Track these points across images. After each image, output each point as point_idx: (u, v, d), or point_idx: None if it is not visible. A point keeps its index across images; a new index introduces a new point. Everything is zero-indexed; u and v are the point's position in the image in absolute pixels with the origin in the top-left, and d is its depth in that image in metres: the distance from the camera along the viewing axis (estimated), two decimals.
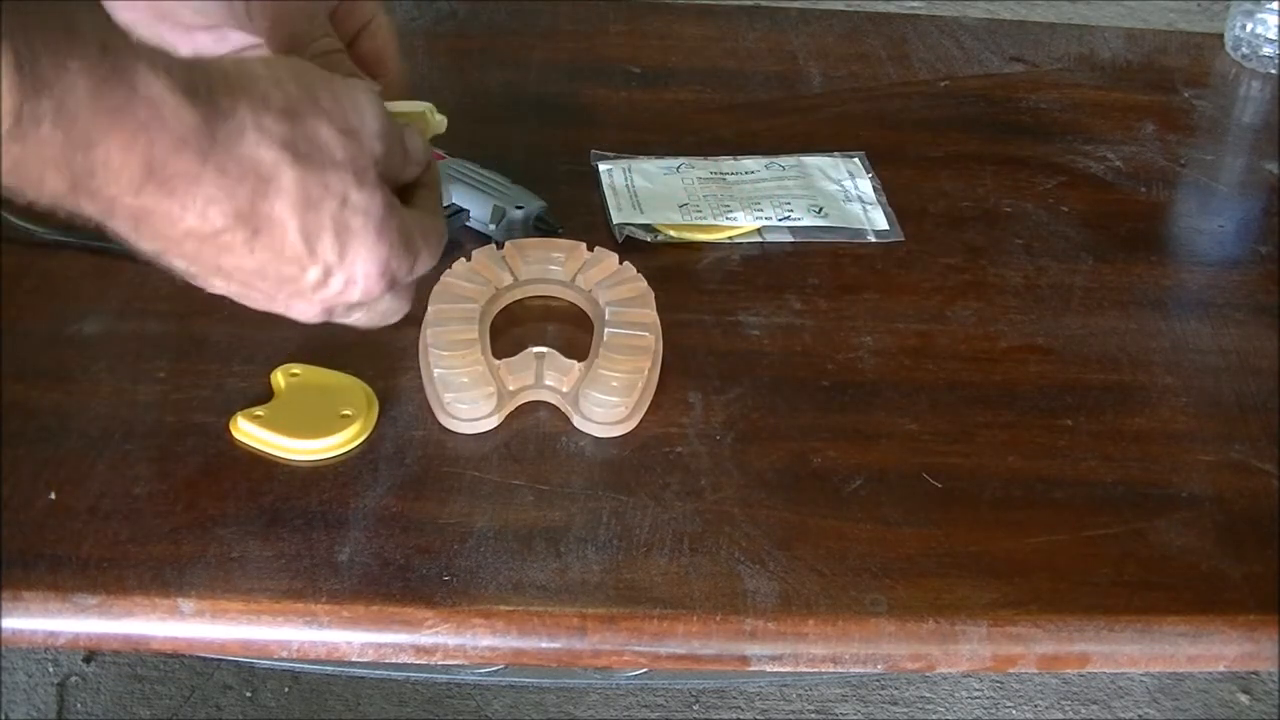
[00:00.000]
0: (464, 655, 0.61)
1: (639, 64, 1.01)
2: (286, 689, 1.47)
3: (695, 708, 1.48)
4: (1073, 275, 0.84)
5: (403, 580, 0.61)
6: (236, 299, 0.56)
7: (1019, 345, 0.78)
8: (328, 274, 0.54)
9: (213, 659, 1.41)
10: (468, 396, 0.69)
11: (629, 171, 0.88)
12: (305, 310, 0.57)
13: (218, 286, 0.55)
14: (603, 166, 0.89)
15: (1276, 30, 1.05)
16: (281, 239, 0.52)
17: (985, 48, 1.07)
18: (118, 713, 1.44)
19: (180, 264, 0.53)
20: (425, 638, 0.61)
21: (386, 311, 0.60)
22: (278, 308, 0.56)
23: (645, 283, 0.76)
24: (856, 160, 0.92)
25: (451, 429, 0.69)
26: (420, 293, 0.75)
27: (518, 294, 0.77)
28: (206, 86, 0.49)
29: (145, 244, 0.51)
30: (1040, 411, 0.74)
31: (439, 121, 0.65)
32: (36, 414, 0.68)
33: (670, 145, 0.92)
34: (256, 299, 0.56)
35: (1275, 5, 1.04)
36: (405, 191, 0.59)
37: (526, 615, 0.61)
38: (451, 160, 0.85)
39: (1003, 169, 0.93)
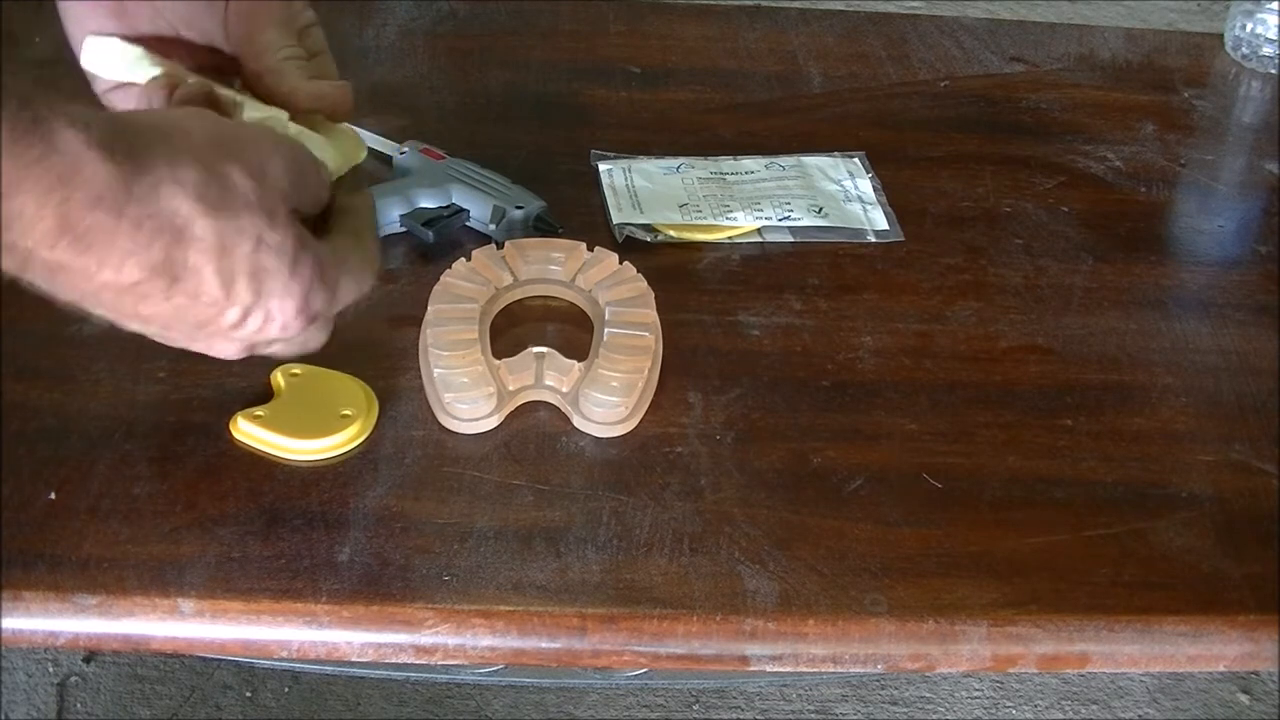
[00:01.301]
0: (464, 655, 0.61)
1: (639, 64, 1.01)
2: (286, 689, 1.47)
3: (695, 708, 1.48)
4: (1073, 275, 0.84)
5: (403, 580, 0.61)
6: (156, 339, 0.56)
7: (1019, 345, 0.78)
8: (245, 314, 0.55)
9: (213, 659, 1.41)
10: (468, 396, 0.69)
11: (629, 171, 0.88)
12: (225, 348, 0.57)
13: (136, 328, 0.55)
14: (603, 166, 0.89)
15: (1276, 30, 1.05)
16: (197, 285, 0.52)
17: (985, 48, 1.07)
18: (118, 713, 1.44)
19: (98, 311, 0.53)
20: (425, 638, 0.61)
21: (305, 342, 0.60)
22: (198, 347, 0.57)
23: (645, 283, 0.76)
24: (856, 160, 0.92)
25: (451, 429, 0.69)
26: (421, 293, 0.75)
27: (518, 294, 0.77)
28: (126, 142, 0.49)
29: (62, 295, 0.52)
30: (1040, 411, 0.74)
31: (359, 147, 0.68)
32: (36, 414, 0.68)
33: (670, 145, 0.92)
34: (176, 339, 0.56)
35: (1275, 5, 1.04)
36: (325, 220, 0.60)
37: (526, 615, 0.61)
38: (451, 160, 0.85)
39: (1003, 169, 0.93)
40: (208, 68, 0.65)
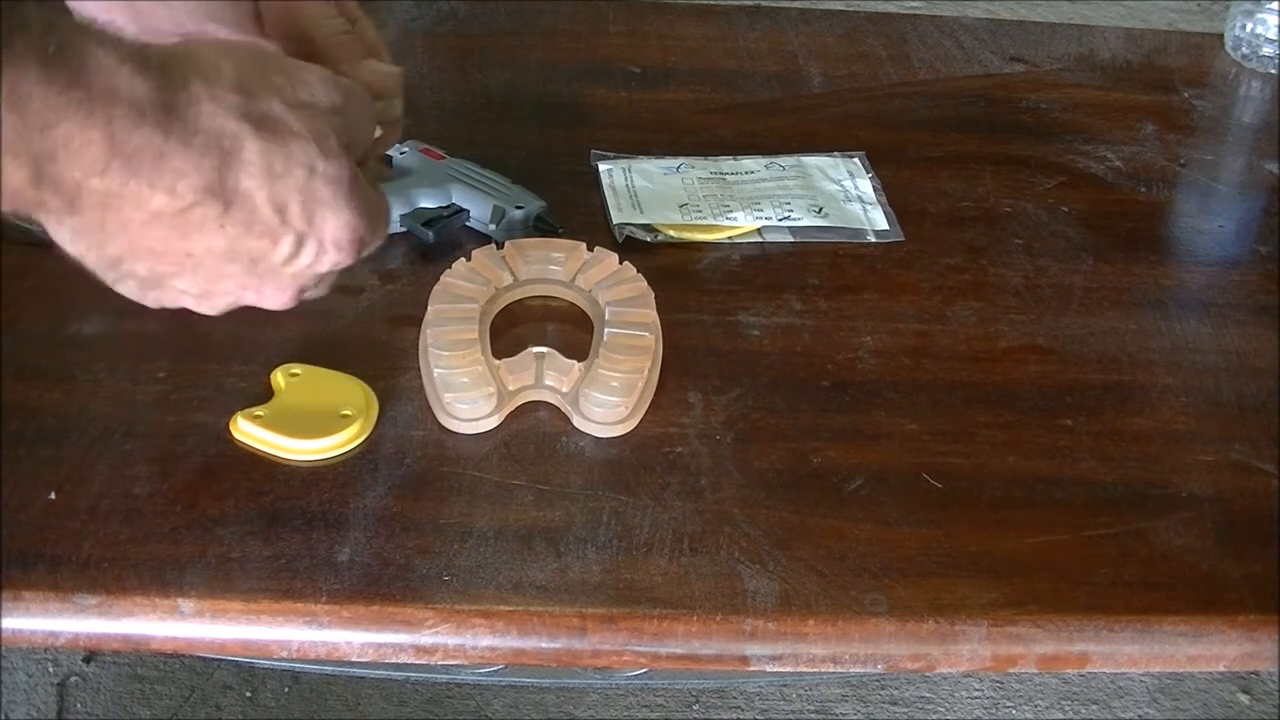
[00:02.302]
0: (464, 655, 0.61)
1: (639, 64, 1.01)
2: (286, 689, 1.47)
3: (695, 708, 1.48)
4: (1073, 275, 0.84)
5: (403, 580, 0.61)
6: (198, 301, 0.55)
7: (1019, 345, 0.78)
8: (300, 244, 0.54)
9: (213, 659, 1.40)
10: (468, 396, 0.69)
11: (629, 171, 0.88)
12: (276, 293, 0.56)
13: (180, 288, 0.54)
14: (603, 166, 0.89)
15: (1276, 30, 1.05)
16: (252, 211, 0.51)
17: (985, 48, 1.07)
18: (118, 713, 1.44)
19: (143, 268, 0.52)
20: (425, 638, 0.61)
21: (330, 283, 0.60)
22: (249, 296, 0.56)
23: (645, 283, 0.76)
24: (856, 160, 0.92)
25: (451, 429, 0.69)
26: (421, 293, 0.75)
27: (518, 294, 0.77)
28: (158, 61, 0.48)
29: (111, 245, 0.50)
30: (1040, 411, 0.74)
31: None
32: (36, 414, 0.68)
33: (670, 145, 0.92)
34: (225, 290, 0.55)
35: (1275, 5, 1.04)
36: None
37: (526, 615, 0.61)
38: (451, 160, 0.85)
39: (1003, 169, 0.93)
40: None
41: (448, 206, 0.82)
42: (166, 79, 0.48)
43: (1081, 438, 0.72)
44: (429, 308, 0.74)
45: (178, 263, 0.52)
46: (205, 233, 0.51)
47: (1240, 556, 0.66)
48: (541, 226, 0.82)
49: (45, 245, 0.79)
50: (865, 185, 0.90)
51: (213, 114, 0.49)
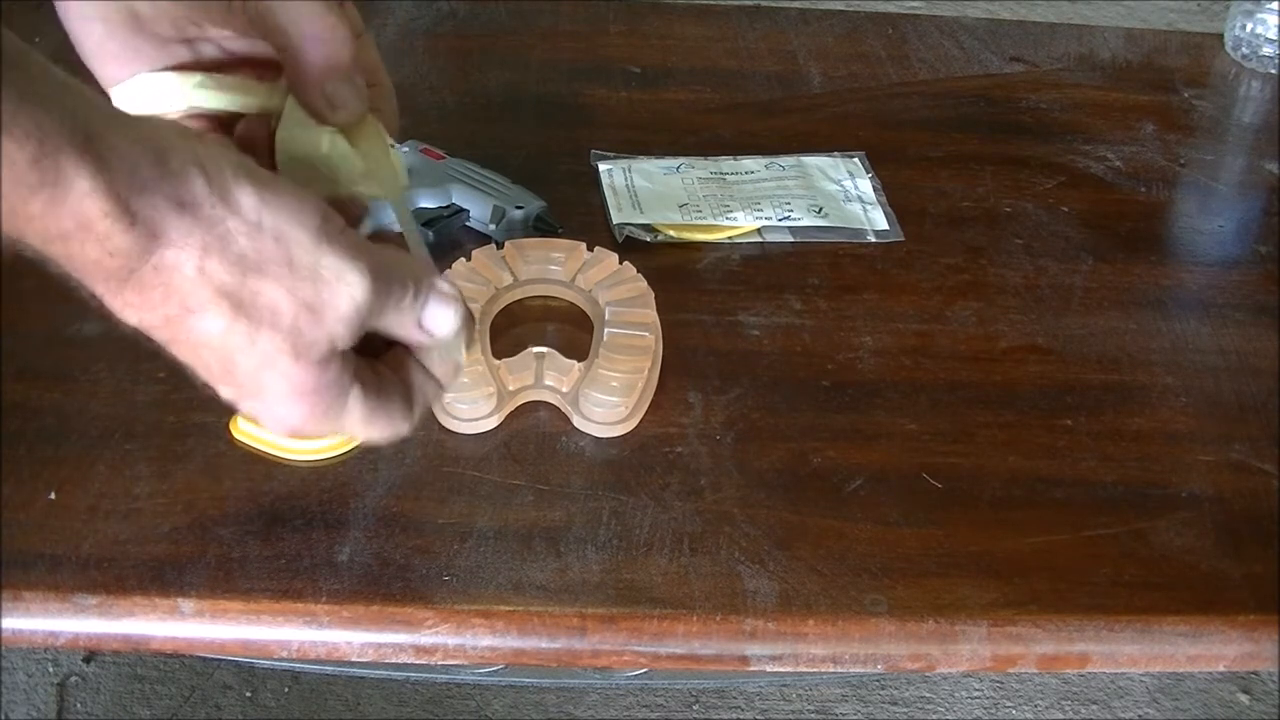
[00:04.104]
0: (464, 655, 0.61)
1: (639, 64, 1.01)
2: (286, 689, 1.47)
3: (695, 708, 1.48)
4: (1073, 275, 0.84)
5: (403, 580, 0.61)
6: None
7: (1019, 345, 0.78)
8: (238, 400, 0.48)
9: (213, 659, 1.41)
10: (468, 396, 0.69)
11: (629, 171, 0.88)
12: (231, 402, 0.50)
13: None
14: (603, 166, 0.89)
15: (1276, 30, 1.05)
16: (194, 359, 0.47)
17: (985, 48, 1.07)
18: (118, 713, 1.44)
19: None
20: (425, 638, 0.61)
21: None
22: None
23: (645, 283, 0.76)
24: (856, 160, 0.92)
25: (451, 429, 0.69)
26: None
27: (518, 294, 0.77)
28: (159, 208, 0.43)
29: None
30: (1040, 411, 0.74)
31: (398, 180, 0.57)
32: (36, 414, 0.68)
33: (670, 145, 0.92)
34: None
35: (1275, 5, 1.04)
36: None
37: (526, 615, 0.61)
38: (451, 160, 0.85)
39: (1003, 169, 0.93)
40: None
41: (448, 206, 0.82)
42: (151, 237, 0.43)
43: (1081, 438, 0.72)
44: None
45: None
46: (152, 336, 0.47)
47: (1240, 556, 0.66)
48: (541, 226, 0.82)
49: None
50: (865, 185, 0.90)
51: (192, 282, 0.44)
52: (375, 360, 0.50)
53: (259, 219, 0.45)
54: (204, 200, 0.44)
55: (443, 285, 0.50)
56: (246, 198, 0.45)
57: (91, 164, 0.42)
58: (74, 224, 0.42)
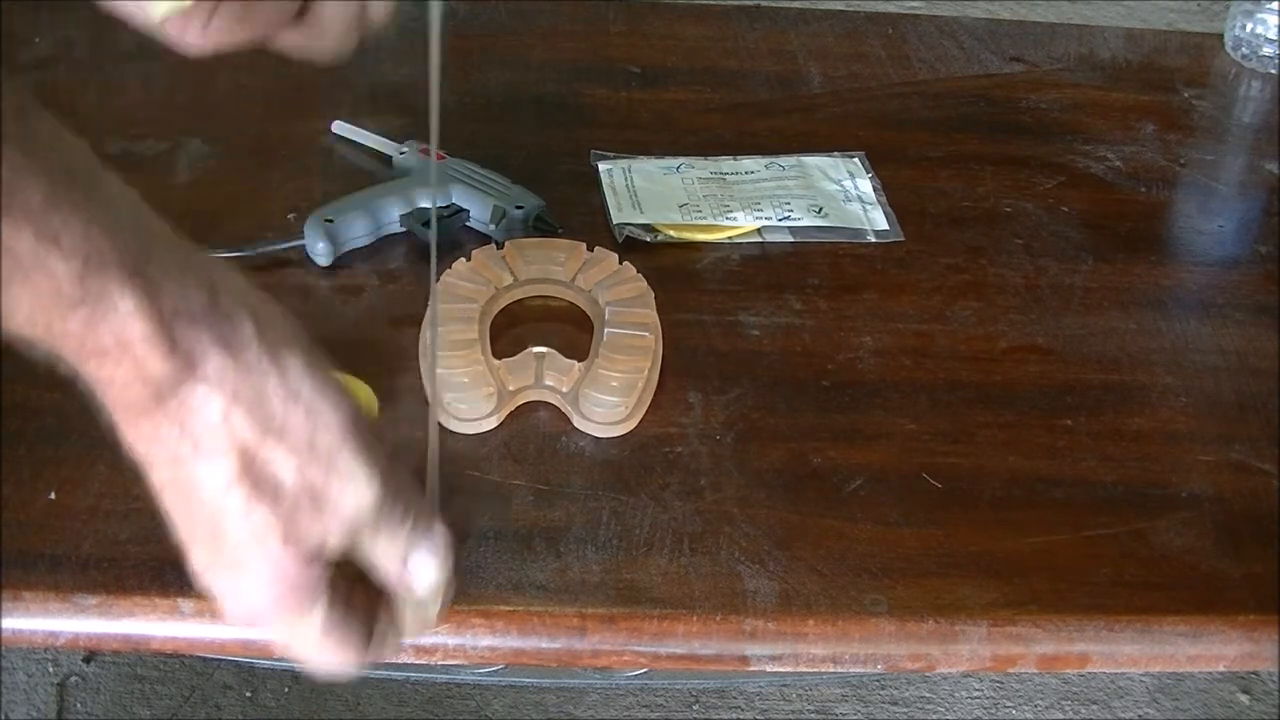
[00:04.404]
0: (464, 655, 0.61)
1: (639, 64, 1.01)
2: (286, 689, 1.47)
3: (695, 708, 1.48)
4: (1073, 275, 0.84)
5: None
6: None
7: (1019, 345, 0.78)
8: (211, 569, 0.47)
9: (213, 659, 1.40)
10: (468, 396, 0.69)
11: (629, 171, 0.88)
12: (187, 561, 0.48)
13: None
14: (603, 166, 0.89)
15: (1276, 30, 1.05)
16: (184, 512, 0.45)
17: (985, 48, 1.07)
18: (118, 713, 1.44)
19: None
20: (425, 638, 0.61)
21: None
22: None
23: (645, 283, 0.76)
24: (856, 160, 0.92)
25: (451, 429, 0.69)
26: (421, 293, 0.75)
27: (518, 294, 0.77)
28: (202, 342, 0.43)
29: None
30: (1040, 411, 0.74)
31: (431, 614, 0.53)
32: (36, 414, 0.68)
33: (670, 145, 0.92)
34: None
35: (1275, 5, 1.04)
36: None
37: (526, 615, 0.61)
38: (451, 160, 0.85)
39: (1003, 169, 0.93)
40: None
41: (448, 206, 0.82)
42: (188, 368, 0.42)
43: (1081, 438, 0.72)
44: (429, 307, 0.74)
45: None
46: (148, 476, 0.46)
47: (1240, 556, 0.66)
48: (541, 226, 0.82)
49: None
50: (865, 185, 0.90)
51: (214, 425, 0.43)
52: (352, 583, 0.48)
53: (297, 387, 0.44)
54: (250, 346, 0.43)
55: (438, 534, 0.49)
56: (293, 361, 0.44)
57: (140, 287, 0.41)
58: (113, 342, 0.42)
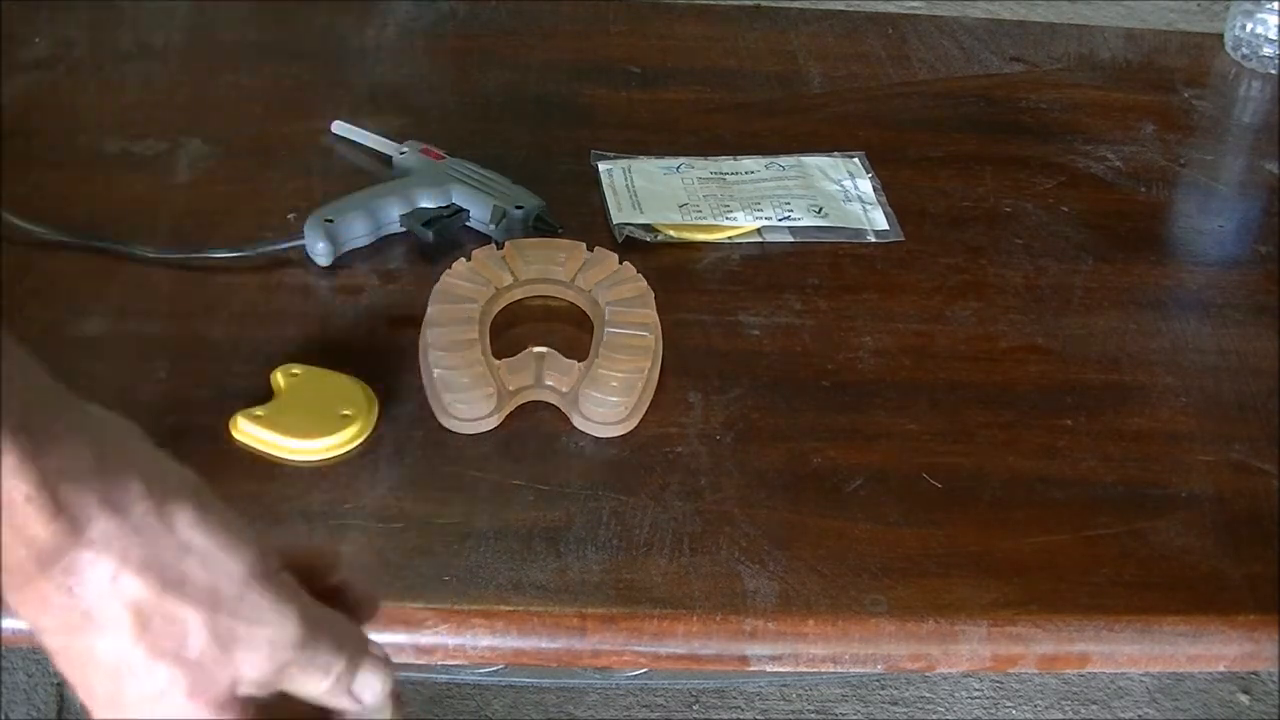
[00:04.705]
0: (464, 655, 0.61)
1: (639, 64, 1.01)
2: None
3: (695, 708, 1.48)
4: (1073, 275, 0.84)
5: (403, 580, 0.61)
6: None
7: (1019, 345, 0.78)
8: None
9: None
10: (468, 396, 0.69)
11: (629, 171, 0.88)
12: None
13: None
14: (603, 166, 0.89)
15: (1276, 30, 1.05)
16: (83, 678, 0.44)
17: (985, 48, 1.07)
18: None
19: None
20: (425, 638, 0.61)
21: None
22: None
23: (645, 283, 0.76)
24: (856, 160, 0.92)
25: (451, 429, 0.69)
26: (421, 293, 0.75)
27: (518, 294, 0.77)
28: (87, 504, 0.41)
29: None
30: (1040, 411, 0.74)
31: None
32: None
33: (670, 145, 0.92)
34: None
35: (1275, 5, 1.04)
36: None
37: (526, 615, 0.61)
38: (451, 160, 0.85)
39: (1003, 169, 0.93)
40: None
41: (448, 206, 0.82)
42: (72, 532, 0.41)
43: (1081, 438, 0.72)
44: (429, 308, 0.74)
45: None
46: (44, 641, 0.44)
47: (1240, 556, 0.66)
48: (541, 226, 0.82)
49: (45, 245, 0.79)
50: (865, 185, 0.90)
51: (103, 590, 0.42)
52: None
53: (189, 540, 0.43)
54: (135, 506, 0.42)
55: (375, 650, 0.47)
56: (183, 515, 0.43)
57: (24, 444, 0.40)
58: (3, 512, 0.40)
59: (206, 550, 0.43)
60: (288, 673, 0.45)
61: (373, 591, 0.50)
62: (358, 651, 0.46)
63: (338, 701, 0.46)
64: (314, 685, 0.45)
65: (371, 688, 0.47)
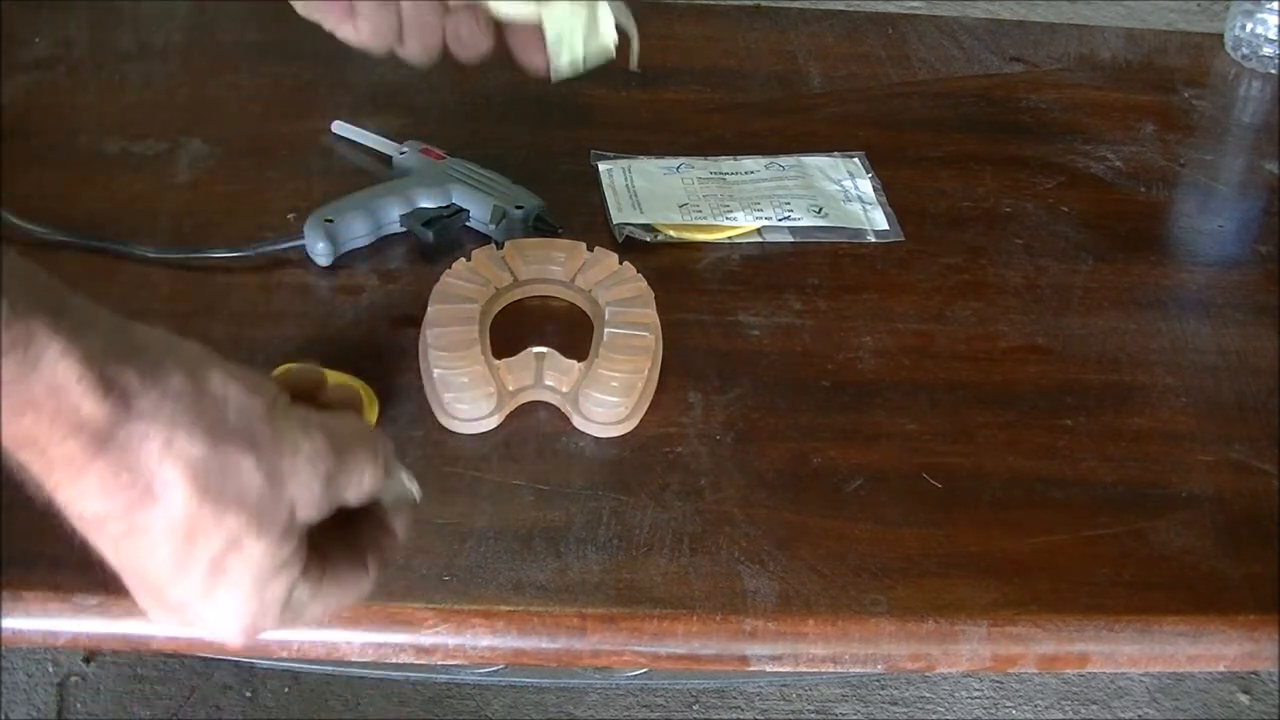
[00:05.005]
0: (464, 655, 0.61)
1: (639, 64, 1.01)
2: (286, 689, 1.47)
3: (695, 708, 1.48)
4: (1073, 275, 0.84)
5: (403, 580, 0.61)
6: None
7: (1019, 345, 0.78)
8: (185, 605, 0.47)
9: (213, 659, 1.41)
10: (468, 396, 0.69)
11: (629, 171, 0.88)
12: (160, 618, 0.49)
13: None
14: (603, 166, 0.89)
15: (1276, 30, 1.05)
16: (150, 554, 0.46)
17: (985, 48, 1.07)
18: (118, 713, 1.44)
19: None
20: (425, 638, 0.61)
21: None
22: (137, 598, 0.49)
23: (645, 283, 0.76)
24: (856, 160, 0.92)
25: (451, 429, 0.69)
26: (421, 293, 0.75)
27: (518, 294, 0.77)
28: (131, 383, 0.43)
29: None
30: (1040, 411, 0.74)
31: (409, 492, 0.55)
32: None
33: (670, 145, 0.92)
34: (123, 577, 0.49)
35: (1275, 5, 1.04)
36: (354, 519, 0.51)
37: (526, 615, 0.61)
38: (451, 160, 0.85)
39: (1003, 169, 0.93)
40: None
41: (448, 206, 0.82)
42: (125, 407, 0.43)
43: (1081, 438, 0.72)
44: (429, 308, 0.74)
45: (79, 528, 0.47)
46: (100, 541, 0.47)
47: (1240, 556, 0.66)
48: (541, 226, 0.82)
49: (45, 245, 0.79)
50: (865, 185, 0.90)
51: (159, 458, 0.44)
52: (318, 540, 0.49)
53: (223, 394, 0.45)
54: (171, 375, 0.44)
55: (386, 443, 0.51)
56: (211, 374, 0.46)
57: (66, 330, 0.42)
58: (45, 390, 0.41)
59: (237, 399, 0.46)
60: (335, 483, 0.48)
61: (353, 395, 0.54)
62: (377, 440, 0.50)
63: (382, 488, 0.50)
64: (358, 486, 0.49)
65: (395, 467, 0.51)
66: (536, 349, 0.72)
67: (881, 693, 1.52)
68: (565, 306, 0.78)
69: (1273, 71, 1.05)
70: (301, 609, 0.49)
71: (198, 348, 0.46)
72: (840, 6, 1.16)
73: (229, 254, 0.79)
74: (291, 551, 0.47)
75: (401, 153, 0.86)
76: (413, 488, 0.53)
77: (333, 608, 0.50)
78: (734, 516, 0.66)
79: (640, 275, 0.77)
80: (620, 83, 0.99)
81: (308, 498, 0.47)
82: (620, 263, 0.78)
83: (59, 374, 0.41)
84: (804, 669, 0.62)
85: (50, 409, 0.42)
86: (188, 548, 0.45)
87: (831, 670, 0.63)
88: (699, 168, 0.90)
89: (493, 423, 0.70)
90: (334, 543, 0.50)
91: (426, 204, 0.82)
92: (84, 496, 0.44)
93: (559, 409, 0.71)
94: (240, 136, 0.90)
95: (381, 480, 0.50)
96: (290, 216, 0.81)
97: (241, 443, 0.45)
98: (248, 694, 1.46)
